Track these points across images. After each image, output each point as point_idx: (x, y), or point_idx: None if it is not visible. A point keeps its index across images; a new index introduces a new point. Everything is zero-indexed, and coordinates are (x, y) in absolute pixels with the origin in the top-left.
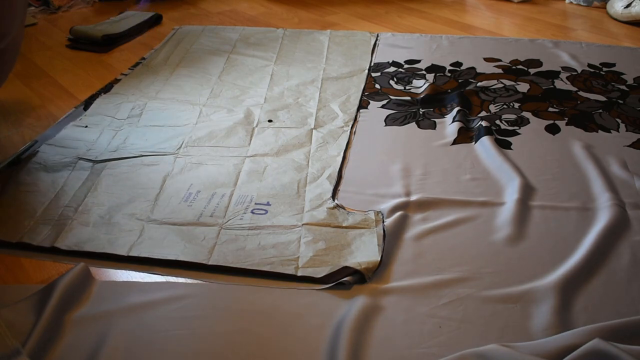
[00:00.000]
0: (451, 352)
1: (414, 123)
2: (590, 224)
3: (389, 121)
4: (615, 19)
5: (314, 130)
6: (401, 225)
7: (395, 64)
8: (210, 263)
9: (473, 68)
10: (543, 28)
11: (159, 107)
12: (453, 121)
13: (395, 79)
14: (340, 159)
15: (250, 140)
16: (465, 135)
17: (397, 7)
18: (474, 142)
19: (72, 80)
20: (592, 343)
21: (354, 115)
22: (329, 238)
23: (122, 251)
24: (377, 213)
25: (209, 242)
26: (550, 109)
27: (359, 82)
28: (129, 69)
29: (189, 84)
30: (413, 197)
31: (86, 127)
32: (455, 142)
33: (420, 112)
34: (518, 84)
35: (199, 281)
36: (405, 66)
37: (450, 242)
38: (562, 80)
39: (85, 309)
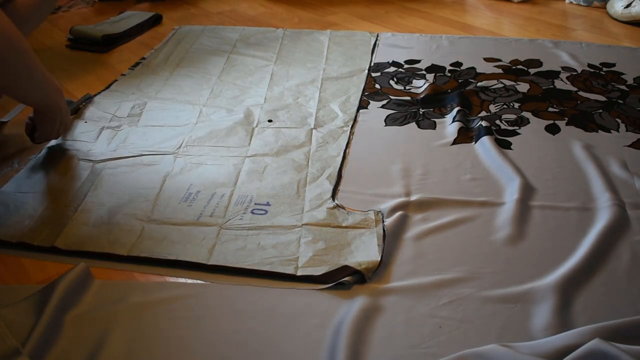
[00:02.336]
0: (451, 352)
1: (414, 123)
2: (590, 224)
3: (389, 121)
4: (615, 19)
5: (313, 130)
6: (401, 225)
7: (395, 64)
8: (210, 263)
9: (473, 68)
10: (543, 28)
11: (159, 107)
12: (453, 121)
13: (395, 79)
14: (340, 159)
15: (250, 140)
16: (465, 135)
17: (397, 7)
18: (474, 142)
19: (72, 80)
20: (592, 343)
21: (353, 115)
22: (329, 238)
23: (122, 251)
24: (377, 213)
25: (208, 242)
26: (550, 109)
27: (359, 82)
28: (129, 68)
29: (189, 84)
30: (413, 197)
31: (85, 122)
32: (455, 142)
33: (420, 112)
34: (518, 84)
35: (199, 281)
36: (405, 66)
37: (450, 242)
38: (562, 80)
39: (85, 309)
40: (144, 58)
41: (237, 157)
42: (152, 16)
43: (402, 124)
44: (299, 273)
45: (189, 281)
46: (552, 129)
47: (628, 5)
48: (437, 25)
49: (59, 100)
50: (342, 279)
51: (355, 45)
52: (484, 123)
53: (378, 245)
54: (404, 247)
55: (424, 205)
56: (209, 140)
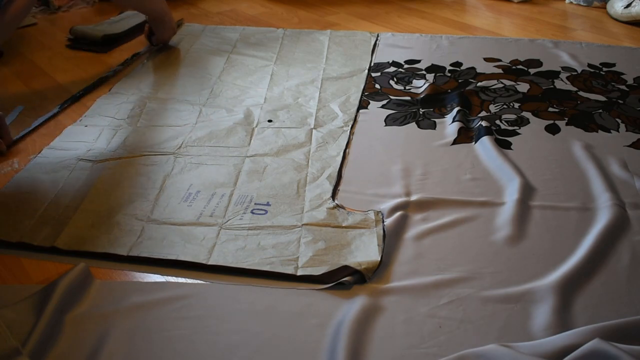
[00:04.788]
0: (451, 352)
1: (414, 123)
2: (590, 224)
3: (389, 121)
4: (615, 19)
5: (313, 130)
6: (401, 225)
7: (395, 64)
8: (210, 263)
9: (473, 68)
10: (543, 28)
11: (159, 107)
12: (453, 121)
13: (395, 79)
14: (340, 159)
15: (250, 140)
16: (465, 135)
17: (397, 7)
18: (474, 142)
19: (72, 80)
20: (592, 343)
21: (353, 115)
22: (329, 238)
23: (122, 251)
24: (377, 213)
25: (208, 242)
26: (550, 109)
27: (359, 82)
28: (119, 65)
29: (189, 84)
30: (413, 197)
31: (86, 126)
32: (455, 142)
33: (420, 112)
34: (518, 84)
35: (199, 281)
36: (405, 66)
37: (450, 242)
38: (562, 80)
39: (85, 309)
40: (137, 53)
41: (237, 157)
42: None
43: (402, 124)
44: (299, 273)
45: (189, 281)
46: (552, 129)
47: (628, 5)
48: (437, 25)
49: (165, 6)
50: (342, 279)
51: (355, 45)
52: (484, 123)
53: (378, 245)
54: (404, 247)
55: (424, 205)
56: (208, 140)
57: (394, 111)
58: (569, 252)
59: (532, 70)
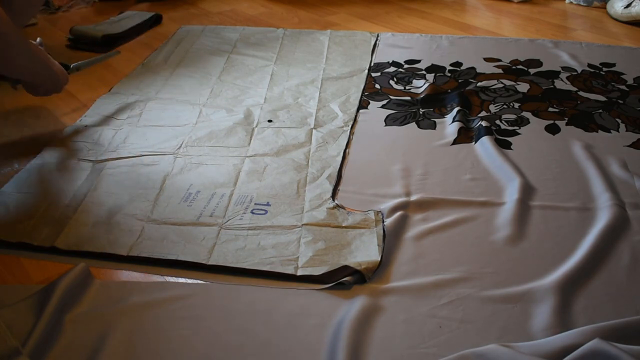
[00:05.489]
0: (451, 352)
1: (414, 123)
2: (590, 224)
3: (389, 121)
4: (615, 19)
5: (313, 130)
6: (401, 225)
7: (395, 64)
8: (210, 263)
9: (473, 68)
10: (543, 28)
11: (159, 107)
12: (453, 121)
13: (395, 79)
14: (340, 159)
15: (250, 140)
16: (465, 135)
17: (397, 7)
18: (474, 142)
19: (72, 80)
20: (592, 343)
21: (353, 115)
22: (329, 238)
23: (122, 251)
24: (377, 213)
25: (208, 242)
26: (550, 109)
27: (359, 82)
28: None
29: (189, 84)
30: (413, 197)
31: (86, 126)
32: (455, 142)
33: (420, 112)
34: (518, 84)
35: (198, 281)
36: (405, 66)
37: (450, 242)
38: (562, 80)
39: (85, 309)
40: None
41: (237, 157)
42: (152, 16)
43: (402, 124)
44: (299, 273)
45: (189, 281)
46: (552, 129)
47: (628, 5)
48: (437, 25)
49: (40, 67)
50: (342, 279)
51: (355, 45)
52: (484, 123)
53: (378, 245)
54: (404, 247)
55: (424, 205)
56: (208, 141)
57: (394, 111)
58: (569, 252)
59: (532, 70)
